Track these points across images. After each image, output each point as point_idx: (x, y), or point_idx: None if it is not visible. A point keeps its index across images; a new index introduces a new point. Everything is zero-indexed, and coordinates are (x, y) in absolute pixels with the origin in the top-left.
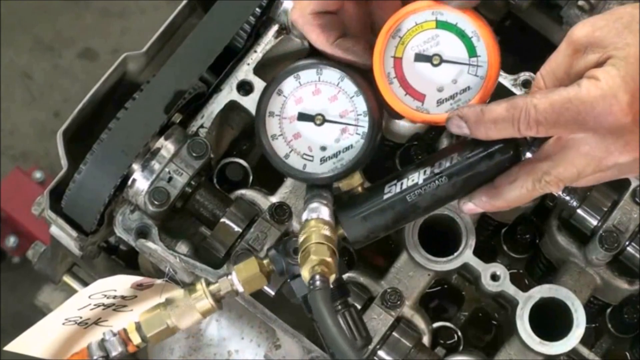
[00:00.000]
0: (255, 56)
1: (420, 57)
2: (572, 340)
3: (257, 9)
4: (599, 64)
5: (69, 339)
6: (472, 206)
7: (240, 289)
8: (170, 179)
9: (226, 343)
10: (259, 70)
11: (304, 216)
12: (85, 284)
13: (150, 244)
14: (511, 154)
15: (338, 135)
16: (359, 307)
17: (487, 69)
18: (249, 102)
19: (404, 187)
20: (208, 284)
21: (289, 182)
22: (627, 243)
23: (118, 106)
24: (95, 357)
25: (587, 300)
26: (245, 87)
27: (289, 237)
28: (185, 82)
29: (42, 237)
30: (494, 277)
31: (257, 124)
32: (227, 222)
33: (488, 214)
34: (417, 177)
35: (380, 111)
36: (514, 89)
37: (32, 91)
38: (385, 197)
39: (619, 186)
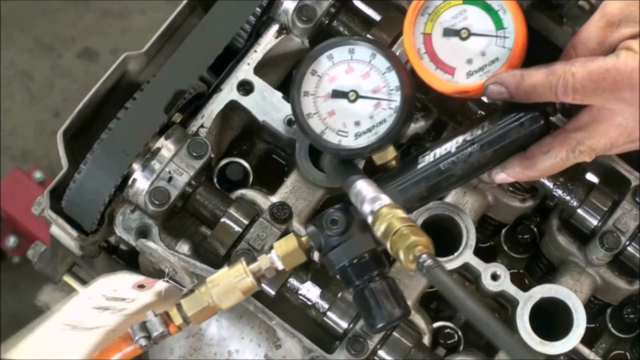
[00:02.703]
0: (255, 56)
1: (448, 32)
2: (573, 340)
3: (257, 9)
4: (634, 37)
5: (69, 344)
6: (504, 176)
7: (280, 265)
8: (170, 179)
9: (226, 343)
10: (259, 70)
11: (366, 208)
12: (85, 284)
13: (150, 244)
14: (542, 122)
15: (371, 111)
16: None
17: (513, 39)
18: (249, 102)
19: (437, 156)
20: (249, 262)
21: (289, 182)
22: (627, 243)
23: (118, 106)
24: (137, 338)
25: (587, 300)
26: (245, 87)
27: (326, 210)
28: (185, 82)
29: (42, 237)
30: (495, 277)
31: (292, 103)
32: (227, 222)
33: (488, 214)
34: (449, 146)
35: (412, 85)
36: None
37: (32, 91)
38: (419, 167)
39: (619, 186)
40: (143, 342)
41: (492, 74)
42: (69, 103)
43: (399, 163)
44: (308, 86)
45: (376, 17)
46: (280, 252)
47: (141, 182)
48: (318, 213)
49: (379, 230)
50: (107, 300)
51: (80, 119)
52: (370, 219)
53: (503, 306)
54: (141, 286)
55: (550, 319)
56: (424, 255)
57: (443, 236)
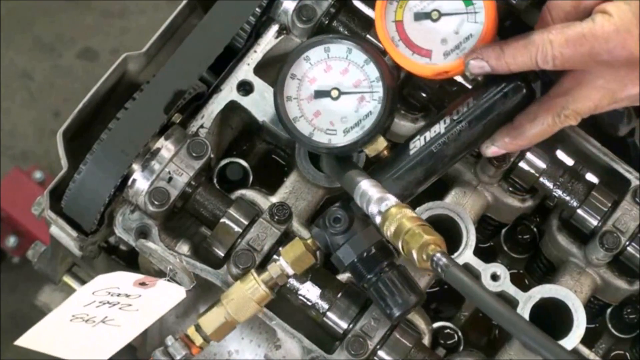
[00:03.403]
0: (255, 56)
1: (419, 16)
2: (573, 340)
3: (257, 9)
4: None
5: (77, 337)
6: (495, 149)
7: (291, 271)
8: (170, 179)
9: (226, 343)
10: (259, 70)
11: (373, 209)
12: (85, 284)
13: (150, 244)
14: (524, 90)
15: (356, 105)
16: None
17: (484, 13)
18: (249, 102)
19: (428, 139)
20: (259, 272)
21: (289, 182)
22: (627, 243)
23: (118, 106)
24: None
25: (587, 300)
26: (245, 87)
27: (328, 210)
28: (185, 82)
29: (42, 237)
30: (494, 277)
31: (277, 109)
32: (227, 222)
33: (488, 214)
34: (438, 128)
35: (392, 74)
36: None
37: (32, 91)
38: (411, 153)
39: (619, 186)
40: None
41: (470, 50)
42: (69, 103)
43: (391, 152)
44: (290, 91)
45: None
46: (288, 258)
47: (141, 182)
48: (318, 213)
49: (389, 230)
50: (112, 296)
51: (80, 119)
52: (378, 220)
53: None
54: (143, 284)
55: (550, 319)
56: (438, 254)
57: (443, 236)
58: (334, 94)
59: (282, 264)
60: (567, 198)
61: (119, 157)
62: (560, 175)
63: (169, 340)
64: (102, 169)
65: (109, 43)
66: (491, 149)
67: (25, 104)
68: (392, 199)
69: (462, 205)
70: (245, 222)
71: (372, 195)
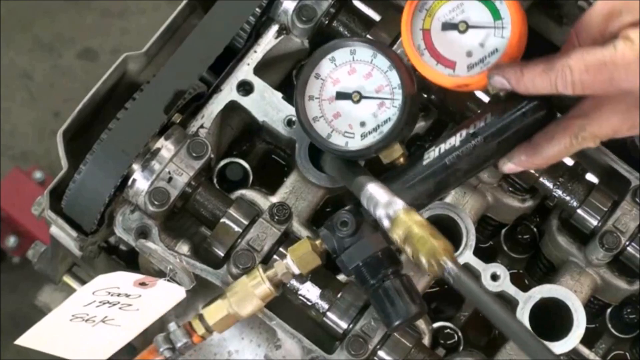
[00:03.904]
0: (255, 56)
1: (447, 26)
2: (573, 340)
3: (257, 9)
4: (634, 25)
5: (77, 336)
6: (512, 166)
7: (297, 270)
8: (170, 179)
9: (226, 343)
10: (259, 70)
11: (381, 213)
12: (85, 284)
13: (150, 244)
14: (544, 110)
15: (375, 110)
16: None
17: (511, 29)
18: (249, 102)
19: (442, 151)
20: (265, 269)
21: (289, 182)
22: (627, 243)
23: (118, 106)
24: (162, 349)
25: (587, 300)
26: (245, 87)
27: (337, 213)
28: (185, 82)
29: (42, 237)
30: (494, 277)
31: (296, 109)
32: (227, 222)
33: (488, 214)
34: (453, 140)
35: (413, 83)
36: None
37: (32, 91)
38: (425, 163)
39: (619, 186)
40: (168, 353)
41: (493, 65)
42: (69, 103)
43: (407, 160)
44: (312, 90)
45: (376, 17)
46: (295, 257)
47: (141, 182)
48: (318, 213)
49: (398, 236)
50: (112, 296)
51: (80, 119)
52: (386, 224)
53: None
54: (143, 284)
55: (550, 319)
56: (448, 262)
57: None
58: (355, 97)
59: (289, 262)
60: (567, 198)
61: (119, 157)
62: (560, 175)
63: (172, 327)
64: (102, 169)
65: (109, 43)
66: (507, 166)
67: (25, 104)
68: (399, 203)
69: (462, 205)
70: (245, 222)
71: (379, 198)
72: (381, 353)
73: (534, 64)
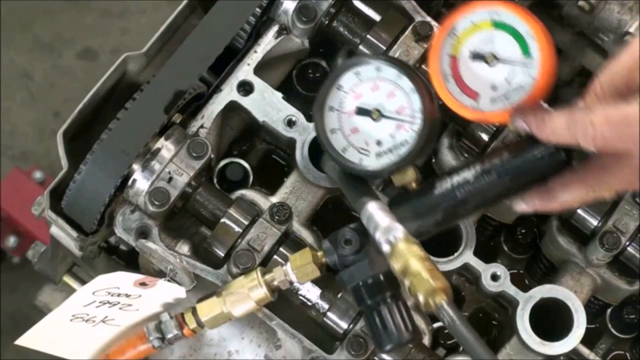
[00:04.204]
0: (255, 56)
1: (475, 56)
2: (573, 340)
3: (257, 9)
4: None
5: (77, 336)
6: (524, 207)
7: (294, 279)
8: (170, 179)
9: (226, 343)
10: (259, 70)
11: (380, 237)
12: (85, 284)
13: (150, 244)
14: (562, 157)
15: (393, 131)
16: None
17: (539, 70)
18: (249, 102)
19: (454, 183)
20: (264, 273)
21: (289, 182)
22: (627, 243)
23: (118, 106)
24: (151, 338)
25: (587, 300)
26: (245, 87)
27: (342, 229)
28: (185, 82)
29: (42, 237)
30: (495, 278)
31: (315, 118)
32: (227, 222)
33: (488, 214)
34: (467, 174)
35: (434, 109)
36: None
37: (32, 91)
38: (435, 192)
39: None
40: (157, 342)
41: (517, 106)
42: (69, 103)
43: (419, 185)
44: (333, 101)
45: (376, 17)
46: (294, 266)
47: (141, 182)
48: (318, 213)
49: (396, 265)
50: (112, 296)
51: (80, 119)
52: (385, 249)
53: (503, 306)
54: (143, 284)
55: (551, 319)
56: (445, 305)
57: (443, 236)
58: (374, 115)
59: (287, 270)
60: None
61: (119, 157)
62: None
63: (164, 317)
64: (103, 169)
65: (109, 43)
66: (521, 206)
67: (25, 104)
68: (399, 231)
69: None
70: (246, 222)
71: (379, 221)
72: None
73: (557, 115)
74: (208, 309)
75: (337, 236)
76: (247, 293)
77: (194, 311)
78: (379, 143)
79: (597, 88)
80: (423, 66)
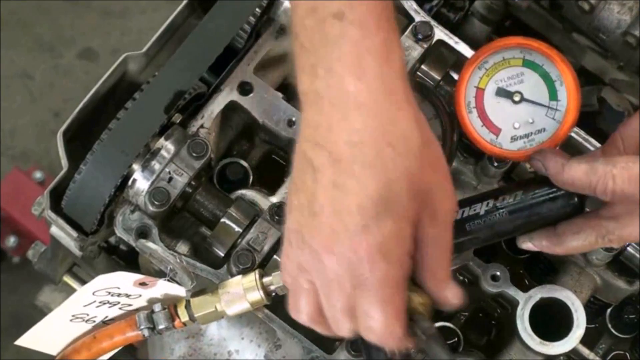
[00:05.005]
0: (255, 56)
1: (502, 92)
2: (573, 340)
3: (257, 9)
4: None
5: (77, 336)
6: (530, 245)
7: None
8: (170, 179)
9: (226, 343)
10: (258, 70)
11: None
12: (85, 284)
13: (150, 244)
14: (575, 202)
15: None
16: None
17: (564, 114)
18: (249, 102)
19: (465, 215)
20: (262, 275)
21: (289, 182)
22: (627, 243)
23: (118, 106)
24: (142, 327)
25: (587, 300)
26: (245, 87)
27: None
28: (185, 82)
29: (42, 237)
30: (494, 278)
31: None
32: (227, 222)
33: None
34: (479, 208)
35: (452, 137)
36: None
37: (32, 91)
38: None
39: None
40: (147, 332)
41: (538, 148)
42: (69, 103)
43: None
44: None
45: None
46: None
47: (141, 182)
48: None
49: None
50: (112, 296)
51: (80, 119)
52: None
53: (503, 306)
54: (143, 284)
55: (550, 319)
56: (420, 321)
57: None
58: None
59: None
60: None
61: (119, 157)
62: None
63: (157, 307)
64: (103, 169)
65: (109, 43)
66: (527, 244)
67: (25, 104)
68: None
69: None
70: (246, 222)
71: None
72: None
73: (577, 164)
74: (202, 304)
75: None
76: (243, 294)
77: (187, 304)
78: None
79: (618, 140)
80: (423, 66)
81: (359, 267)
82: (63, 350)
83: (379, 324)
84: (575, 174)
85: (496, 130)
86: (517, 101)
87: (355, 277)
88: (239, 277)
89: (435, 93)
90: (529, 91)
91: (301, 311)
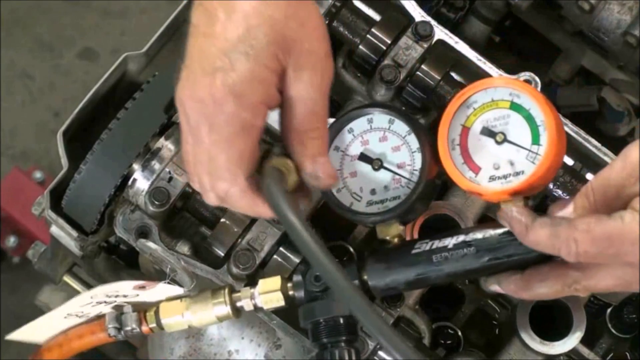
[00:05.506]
0: None
1: (486, 132)
2: (573, 340)
3: None
4: None
5: (67, 329)
6: (497, 288)
7: (259, 303)
8: (170, 179)
9: (226, 343)
10: None
11: None
12: (85, 283)
13: (150, 244)
14: (543, 252)
15: (389, 183)
16: None
17: (542, 160)
18: None
19: (433, 247)
20: (232, 291)
21: None
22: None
23: (118, 106)
24: (109, 326)
25: (587, 300)
26: None
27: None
28: None
29: (42, 237)
30: None
31: None
32: (227, 222)
33: (489, 214)
34: (448, 241)
35: (434, 172)
36: None
37: (32, 91)
38: (413, 251)
39: None
40: (112, 332)
41: (512, 191)
42: (69, 103)
43: (400, 242)
44: (340, 142)
45: (376, 17)
46: (261, 290)
47: (141, 182)
48: (318, 213)
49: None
50: (110, 297)
51: (80, 119)
52: None
53: (503, 306)
54: (142, 287)
55: (550, 319)
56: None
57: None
58: (375, 164)
59: (254, 293)
60: (567, 198)
61: (119, 157)
62: (560, 175)
63: (127, 309)
64: (103, 168)
65: (109, 43)
66: (494, 287)
67: (25, 104)
68: None
69: (463, 205)
70: (246, 222)
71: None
72: (381, 353)
73: (540, 226)
74: (170, 311)
75: (308, 272)
76: (211, 307)
77: (156, 310)
78: (372, 192)
79: (589, 193)
80: (423, 66)
81: (210, 106)
82: (49, 340)
83: (221, 163)
84: (539, 237)
85: (476, 169)
86: (500, 142)
87: (208, 118)
88: (209, 291)
89: (424, 129)
90: (513, 133)
91: (189, 164)
